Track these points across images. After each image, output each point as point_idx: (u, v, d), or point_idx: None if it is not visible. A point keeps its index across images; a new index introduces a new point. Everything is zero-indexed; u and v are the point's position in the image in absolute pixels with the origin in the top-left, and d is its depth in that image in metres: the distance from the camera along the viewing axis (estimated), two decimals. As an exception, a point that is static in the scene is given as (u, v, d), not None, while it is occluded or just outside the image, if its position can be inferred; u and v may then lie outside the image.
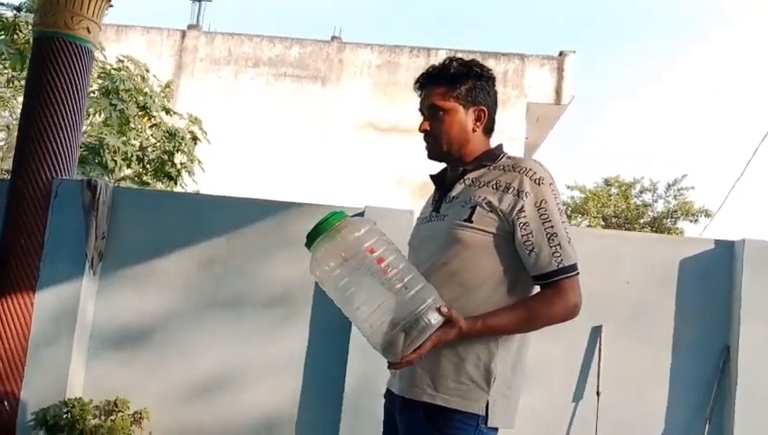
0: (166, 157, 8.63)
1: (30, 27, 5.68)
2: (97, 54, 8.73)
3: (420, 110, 1.91)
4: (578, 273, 1.71)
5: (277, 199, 4.08)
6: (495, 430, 1.71)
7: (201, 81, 14.10)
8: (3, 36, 7.11)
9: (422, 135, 1.90)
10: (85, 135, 8.04)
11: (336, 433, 3.55)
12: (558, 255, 1.67)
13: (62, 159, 4.04)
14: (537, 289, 1.77)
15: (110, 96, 7.64)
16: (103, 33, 14.84)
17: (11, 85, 8.33)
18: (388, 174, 12.99)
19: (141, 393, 3.83)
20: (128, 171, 8.70)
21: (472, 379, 1.66)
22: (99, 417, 3.75)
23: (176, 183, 9.00)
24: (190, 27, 14.89)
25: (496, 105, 1.90)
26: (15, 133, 5.29)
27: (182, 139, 8.58)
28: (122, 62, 8.68)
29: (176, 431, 3.80)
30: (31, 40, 4.81)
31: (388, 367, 1.63)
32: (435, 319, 1.56)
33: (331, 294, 1.65)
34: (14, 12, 7.15)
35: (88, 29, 4.12)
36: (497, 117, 1.92)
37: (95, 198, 3.91)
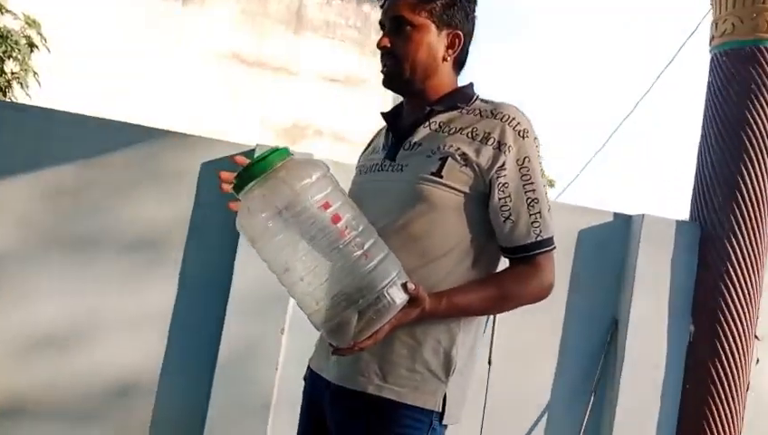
0: (-6, 62, 7.31)
1: None
2: None
3: (381, 22, 1.53)
4: (555, 247, 1.46)
5: (150, 125, 3.43)
6: (446, 427, 1.43)
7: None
8: None
9: (379, 54, 1.52)
10: None
11: (205, 403, 3.10)
12: (537, 225, 1.41)
13: None
14: (504, 264, 1.50)
15: None
16: None
17: None
18: (253, 112, 12.20)
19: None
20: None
21: (429, 367, 1.38)
22: None
23: (4, 95, 7.73)
24: None
25: (472, 35, 1.56)
26: None
27: (15, 43, 7.31)
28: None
29: (8, 391, 3.13)
30: None
31: (333, 352, 1.29)
32: (399, 298, 1.24)
33: (262, 254, 1.26)
34: None
35: None
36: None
37: None
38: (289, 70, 11.44)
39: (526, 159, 1.40)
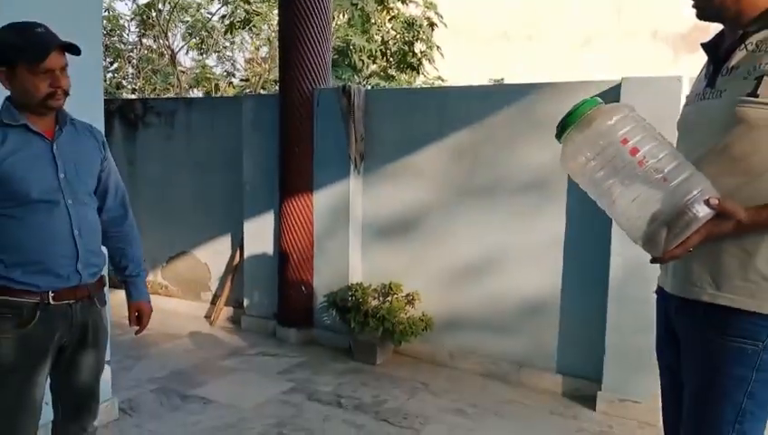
0: (406, 48, 8.80)
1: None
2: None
3: None
4: None
5: (523, 82, 3.90)
6: None
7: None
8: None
9: None
10: (333, 38, 8.55)
11: (602, 318, 3.49)
12: None
13: (317, 68, 4.34)
14: None
15: (351, -5, 7.93)
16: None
17: (266, 0, 9.09)
18: (643, 25, 11.59)
19: (410, 277, 4.18)
20: (374, 67, 9.09)
21: (765, 276, 1.43)
22: (377, 298, 4.20)
23: (418, 72, 9.19)
24: None
25: None
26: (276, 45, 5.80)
27: (420, 27, 8.63)
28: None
29: (445, 311, 4.10)
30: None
31: (651, 261, 1.47)
32: (702, 212, 1.36)
33: (584, 187, 1.53)
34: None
35: (323, -63, 4.23)
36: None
37: (350, 104, 4.16)
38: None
39: None
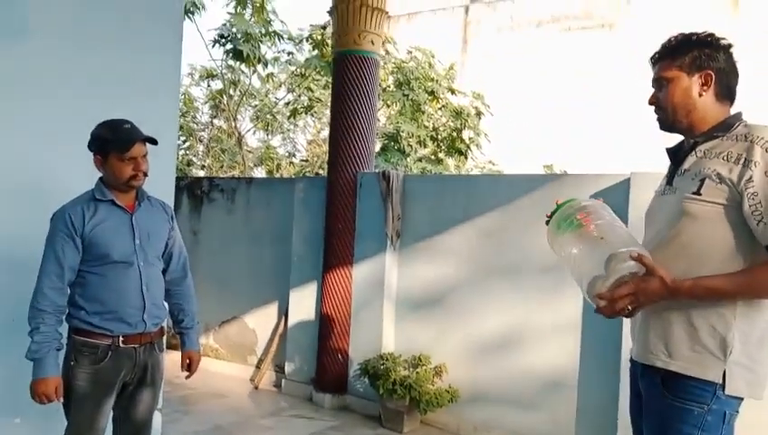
0: (455, 134, 9.34)
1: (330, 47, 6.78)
2: (390, 49, 9.87)
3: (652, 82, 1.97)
4: None
5: (543, 173, 4.27)
6: (739, 400, 1.73)
7: (485, 51, 14.61)
8: (315, 52, 8.52)
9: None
10: (386, 124, 9.19)
11: (616, 397, 3.68)
12: None
13: (361, 155, 4.86)
14: None
15: (403, 87, 8.57)
16: (396, 22, 16.27)
17: (328, 87, 9.89)
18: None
19: (438, 349, 4.47)
20: (425, 151, 9.65)
21: (707, 348, 1.71)
22: (407, 368, 4.48)
23: (465, 157, 9.67)
24: (473, 0, 15.51)
25: (732, 71, 1.87)
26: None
27: (467, 116, 9.18)
28: (410, 53, 9.63)
29: (470, 384, 4.35)
30: (331, 59, 5.76)
31: (595, 311, 1.78)
32: (626, 262, 1.69)
33: (559, 257, 1.92)
34: (321, 30, 8.49)
35: (372, 42, 4.84)
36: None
37: (389, 187, 4.62)
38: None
39: None
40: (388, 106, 9.14)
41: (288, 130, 11.53)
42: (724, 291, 1.69)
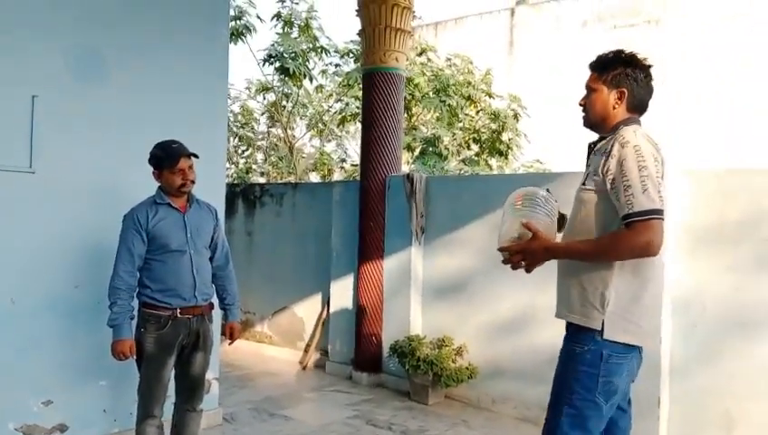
0: (495, 136, 9.78)
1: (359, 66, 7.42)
2: (431, 56, 10.40)
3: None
4: (654, 217, 2.06)
5: (547, 171, 4.73)
6: (621, 344, 2.18)
7: (531, 53, 14.90)
8: (358, 64, 9.18)
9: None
10: (425, 130, 9.73)
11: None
12: (629, 202, 2.08)
13: (389, 160, 5.45)
14: None
15: (440, 94, 9.10)
16: (443, 27, 16.72)
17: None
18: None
19: (460, 331, 5.00)
20: (470, 152, 10.12)
21: (592, 304, 2.19)
22: (432, 349, 5.03)
23: (506, 158, 10.08)
24: (518, 3, 15.84)
25: (646, 89, 2.32)
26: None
27: (505, 118, 9.61)
28: (449, 60, 10.14)
29: (488, 361, 4.85)
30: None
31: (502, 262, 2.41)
32: (517, 226, 2.29)
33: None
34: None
35: (396, 59, 5.43)
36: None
37: (413, 188, 5.19)
38: None
39: (623, 160, 2.10)
40: (428, 112, 9.67)
41: (340, 137, 12.22)
42: (584, 252, 2.20)
